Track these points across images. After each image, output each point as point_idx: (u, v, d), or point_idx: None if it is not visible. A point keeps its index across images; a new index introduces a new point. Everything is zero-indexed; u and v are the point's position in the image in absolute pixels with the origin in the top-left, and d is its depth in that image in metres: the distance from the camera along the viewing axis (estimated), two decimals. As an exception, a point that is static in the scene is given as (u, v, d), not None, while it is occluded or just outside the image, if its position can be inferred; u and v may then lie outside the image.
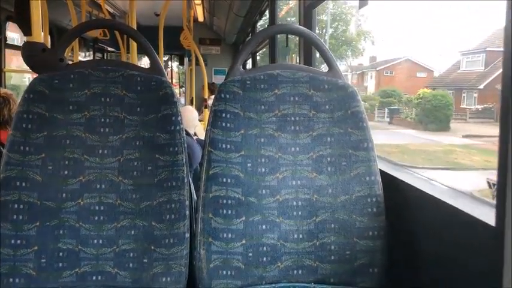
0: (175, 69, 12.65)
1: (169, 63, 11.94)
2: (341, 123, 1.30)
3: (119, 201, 1.25)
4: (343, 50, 25.60)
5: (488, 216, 0.89)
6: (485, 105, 17.40)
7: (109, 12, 5.72)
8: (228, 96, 1.29)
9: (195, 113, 3.25)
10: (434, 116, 15.32)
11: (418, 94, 16.61)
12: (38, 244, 1.20)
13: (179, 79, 12.73)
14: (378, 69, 25.73)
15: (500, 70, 0.84)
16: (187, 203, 1.25)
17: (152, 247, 1.22)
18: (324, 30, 23.61)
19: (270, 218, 1.26)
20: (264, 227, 1.25)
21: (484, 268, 0.91)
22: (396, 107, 19.08)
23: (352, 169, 1.28)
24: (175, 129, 1.28)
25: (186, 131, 1.46)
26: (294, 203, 1.27)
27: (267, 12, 4.01)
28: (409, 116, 17.20)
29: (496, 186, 0.83)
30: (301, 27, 1.49)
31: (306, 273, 1.25)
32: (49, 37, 4.40)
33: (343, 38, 25.84)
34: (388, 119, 18.54)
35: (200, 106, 6.00)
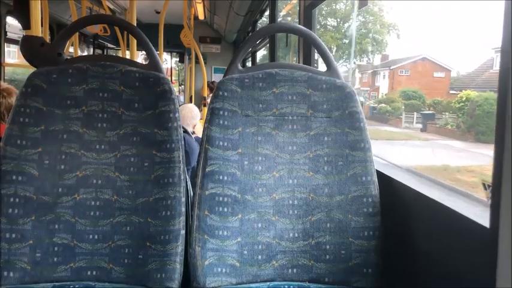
0: (173, 65, 12.56)
1: (164, 57, 11.81)
2: (338, 123, 1.30)
3: (115, 197, 1.25)
4: (366, 44, 22.33)
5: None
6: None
7: (109, 8, 5.71)
8: (226, 94, 1.29)
9: (195, 111, 3.24)
10: (486, 124, 11.77)
11: (459, 97, 13.73)
12: (33, 238, 1.20)
13: (178, 76, 12.69)
14: (392, 68, 23.17)
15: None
16: (183, 199, 1.25)
17: (147, 243, 1.22)
18: (342, 22, 21.28)
19: (266, 217, 1.26)
20: (259, 225, 1.25)
21: (478, 269, 0.91)
22: (431, 112, 16.27)
23: (349, 169, 1.28)
24: (173, 126, 1.28)
25: (183, 128, 1.46)
26: (290, 202, 1.27)
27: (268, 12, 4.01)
28: (450, 123, 13.97)
29: (490, 188, 0.84)
30: (300, 26, 1.50)
31: (300, 272, 1.25)
32: (49, 32, 4.39)
33: (364, 30, 22.57)
34: (420, 126, 15.70)
35: (199, 104, 6.00)
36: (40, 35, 1.56)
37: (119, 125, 1.29)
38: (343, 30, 21.34)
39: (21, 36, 1.44)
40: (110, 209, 1.25)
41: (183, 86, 10.70)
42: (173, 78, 12.11)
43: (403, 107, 17.29)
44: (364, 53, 22.65)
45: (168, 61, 12.28)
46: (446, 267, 1.04)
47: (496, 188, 0.82)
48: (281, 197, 1.27)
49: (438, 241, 1.09)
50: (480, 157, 9.53)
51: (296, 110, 1.31)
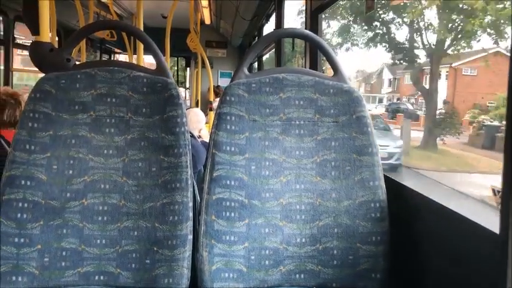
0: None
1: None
2: (345, 127, 1.30)
3: (123, 202, 1.26)
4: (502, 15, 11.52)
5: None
6: None
7: (116, 13, 5.75)
8: (233, 98, 1.30)
9: (201, 115, 3.25)
10: None
11: None
12: (41, 243, 1.21)
13: (184, 78, 12.59)
14: (453, 65, 17.17)
15: None
16: (190, 204, 1.25)
17: (155, 248, 1.23)
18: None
19: (273, 222, 1.26)
20: (266, 230, 1.25)
21: (488, 276, 0.90)
22: None
23: (356, 174, 1.27)
24: (180, 131, 1.28)
25: (190, 132, 1.47)
26: (297, 207, 1.27)
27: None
28: None
29: (500, 194, 0.83)
30: (306, 31, 1.49)
31: (308, 278, 1.25)
32: (56, 37, 4.42)
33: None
34: None
35: (205, 108, 6.01)
36: (48, 40, 1.57)
37: (127, 130, 1.29)
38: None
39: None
40: (118, 214, 1.25)
41: (183, 89, 10.50)
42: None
43: None
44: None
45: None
46: (455, 273, 1.03)
47: (505, 194, 0.81)
48: (288, 202, 1.27)
49: (446, 246, 1.08)
50: None
51: (303, 115, 1.31)
